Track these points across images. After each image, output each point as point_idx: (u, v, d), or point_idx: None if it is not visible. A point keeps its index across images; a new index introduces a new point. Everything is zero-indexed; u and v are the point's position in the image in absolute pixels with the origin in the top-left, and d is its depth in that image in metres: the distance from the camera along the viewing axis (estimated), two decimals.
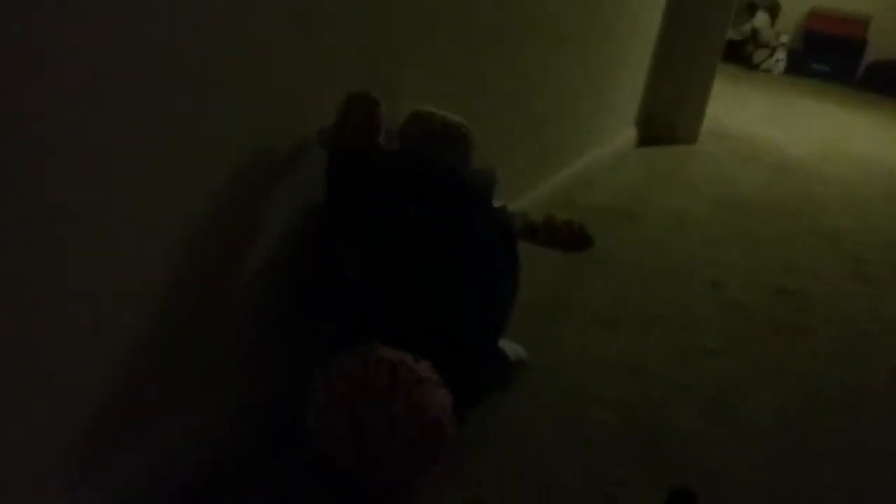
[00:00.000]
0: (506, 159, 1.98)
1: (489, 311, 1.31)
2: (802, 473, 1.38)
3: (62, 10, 0.76)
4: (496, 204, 1.36)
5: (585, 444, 1.36)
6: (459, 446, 1.25)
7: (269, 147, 1.12)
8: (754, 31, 6.13)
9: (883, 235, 2.74)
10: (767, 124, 4.22)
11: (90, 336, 0.92)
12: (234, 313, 1.17)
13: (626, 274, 2.07)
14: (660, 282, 2.06)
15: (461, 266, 1.23)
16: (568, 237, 1.43)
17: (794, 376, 1.70)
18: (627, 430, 1.42)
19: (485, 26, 1.69)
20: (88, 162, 0.84)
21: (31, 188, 0.79)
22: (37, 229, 0.81)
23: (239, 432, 1.21)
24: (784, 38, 6.20)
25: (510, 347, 1.46)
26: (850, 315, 2.06)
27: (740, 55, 6.13)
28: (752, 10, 6.14)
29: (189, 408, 1.12)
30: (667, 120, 3.37)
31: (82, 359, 0.92)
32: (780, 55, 6.18)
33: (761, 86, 5.52)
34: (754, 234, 2.54)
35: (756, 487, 1.32)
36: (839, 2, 6.05)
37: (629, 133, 3.17)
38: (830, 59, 6.14)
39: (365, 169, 1.19)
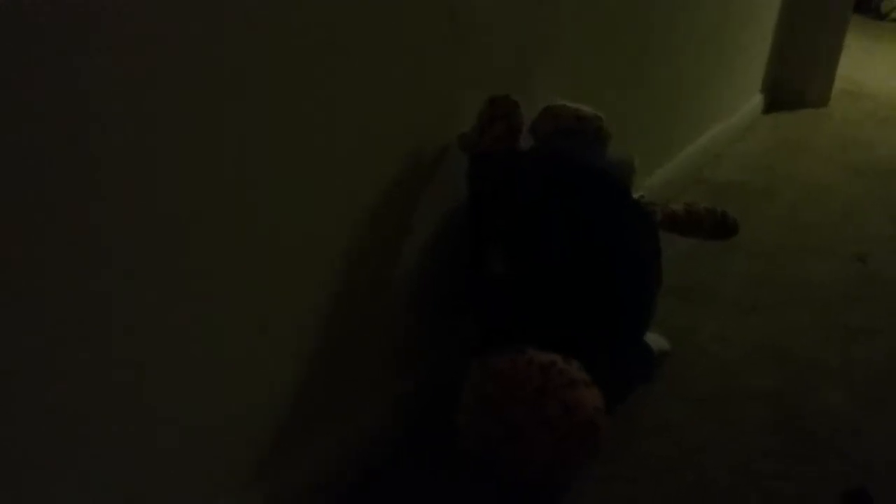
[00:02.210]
0: (633, 141, 1.94)
1: (635, 305, 1.29)
2: None
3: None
4: (636, 195, 1.33)
5: (737, 437, 1.33)
6: (610, 442, 1.24)
7: (417, 151, 1.14)
8: None
9: None
10: None
11: (257, 341, 0.96)
12: (388, 314, 1.21)
13: (762, 253, 1.99)
14: (800, 259, 1.98)
15: (605, 261, 1.22)
16: (711, 225, 1.39)
17: None
18: (779, 422, 1.37)
19: (611, 14, 1.66)
20: (252, 182, 0.88)
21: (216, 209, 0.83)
22: (218, 246, 0.86)
23: (393, 430, 1.25)
24: None
25: (654, 340, 1.43)
26: None
27: (866, 5, 5.76)
28: None
29: (348, 409, 1.16)
30: (795, 83, 3.21)
31: (250, 364, 0.97)
32: None
33: (891, 35, 5.17)
34: None
35: None
36: None
37: (755, 100, 3.04)
38: None
39: (505, 169, 1.19)
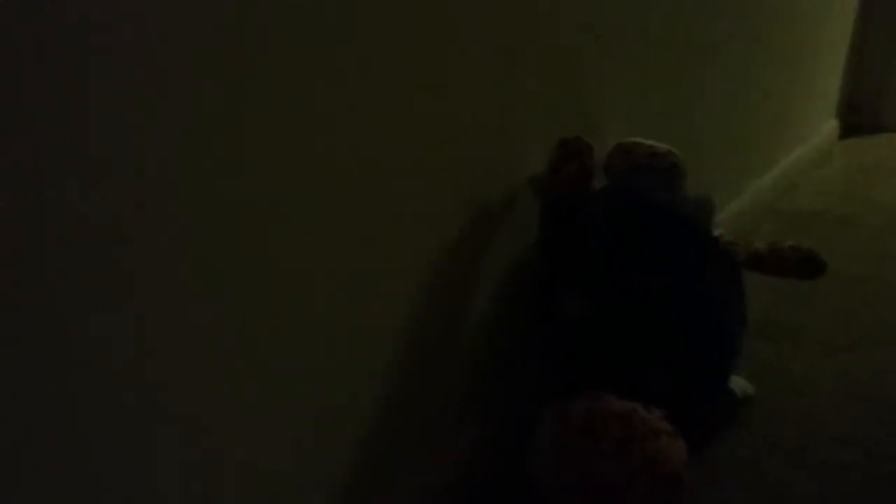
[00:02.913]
0: (708, 173, 1.89)
1: (717, 348, 1.23)
2: None
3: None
4: (715, 233, 1.28)
5: (827, 487, 1.25)
6: (694, 491, 1.18)
7: (487, 195, 1.12)
8: None
9: None
10: None
11: (320, 388, 0.94)
12: (456, 360, 1.18)
13: (849, 288, 1.90)
14: (890, 292, 1.88)
15: (684, 303, 1.17)
16: (797, 264, 1.32)
17: None
18: (874, 473, 1.29)
19: (681, 45, 1.62)
20: (316, 228, 0.86)
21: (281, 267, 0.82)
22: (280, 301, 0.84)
23: (463, 480, 1.21)
24: None
25: (736, 383, 1.37)
26: None
27: None
28: None
29: (415, 459, 1.13)
30: (871, 107, 3.10)
31: (315, 421, 0.94)
32: None
33: None
34: None
35: None
36: None
37: (831, 125, 2.94)
38: None
39: (578, 211, 1.15)
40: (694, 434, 1.15)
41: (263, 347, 0.84)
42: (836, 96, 2.97)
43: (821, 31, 2.59)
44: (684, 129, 1.73)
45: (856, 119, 3.08)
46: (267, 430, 0.87)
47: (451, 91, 1.00)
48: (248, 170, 0.76)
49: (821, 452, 1.33)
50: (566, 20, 1.19)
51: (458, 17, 0.98)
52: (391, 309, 1.02)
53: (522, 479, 1.14)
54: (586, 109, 1.31)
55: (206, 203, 0.73)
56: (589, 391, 1.12)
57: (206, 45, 0.69)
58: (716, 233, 1.28)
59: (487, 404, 1.25)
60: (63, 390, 0.66)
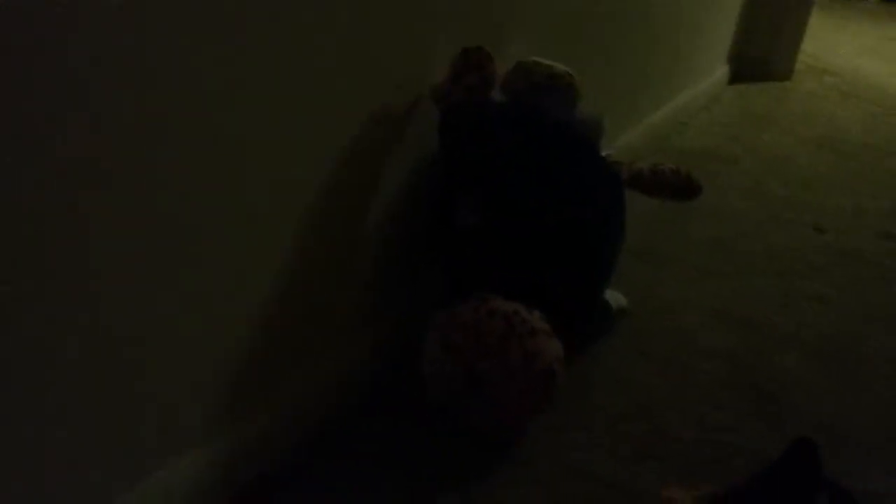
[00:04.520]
0: (599, 105, 1.96)
1: (598, 261, 1.31)
2: None
3: None
4: (603, 153, 1.35)
5: (691, 393, 1.37)
6: (568, 393, 1.27)
7: (388, 103, 1.13)
8: None
9: None
10: (866, 58, 4.03)
11: (222, 295, 0.96)
12: (355, 266, 1.21)
13: (724, 219, 2.03)
14: (760, 227, 2.02)
15: (574, 214, 1.24)
16: (675, 185, 1.41)
17: None
18: (733, 380, 1.41)
19: None
20: (215, 130, 0.87)
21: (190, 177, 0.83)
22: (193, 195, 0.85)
23: (356, 382, 1.26)
24: None
25: (612, 296, 1.46)
26: None
27: None
28: None
29: (311, 360, 1.17)
30: (760, 55, 3.25)
31: (214, 315, 0.96)
32: None
33: (857, 16, 5.25)
34: (857, 175, 2.46)
35: (875, 441, 1.31)
36: None
37: (722, 71, 3.08)
38: None
39: (477, 119, 1.19)
40: (572, 337, 1.24)
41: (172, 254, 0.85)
42: (729, 42, 3.10)
43: None
44: (584, 56, 1.78)
45: (745, 66, 3.22)
46: (170, 331, 0.89)
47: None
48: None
49: (689, 363, 1.45)
50: None
51: None
52: (294, 215, 1.03)
53: (416, 375, 1.20)
54: (491, 24, 1.34)
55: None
56: (476, 294, 1.18)
57: None
58: (605, 153, 1.35)
59: (387, 306, 1.30)
60: None
